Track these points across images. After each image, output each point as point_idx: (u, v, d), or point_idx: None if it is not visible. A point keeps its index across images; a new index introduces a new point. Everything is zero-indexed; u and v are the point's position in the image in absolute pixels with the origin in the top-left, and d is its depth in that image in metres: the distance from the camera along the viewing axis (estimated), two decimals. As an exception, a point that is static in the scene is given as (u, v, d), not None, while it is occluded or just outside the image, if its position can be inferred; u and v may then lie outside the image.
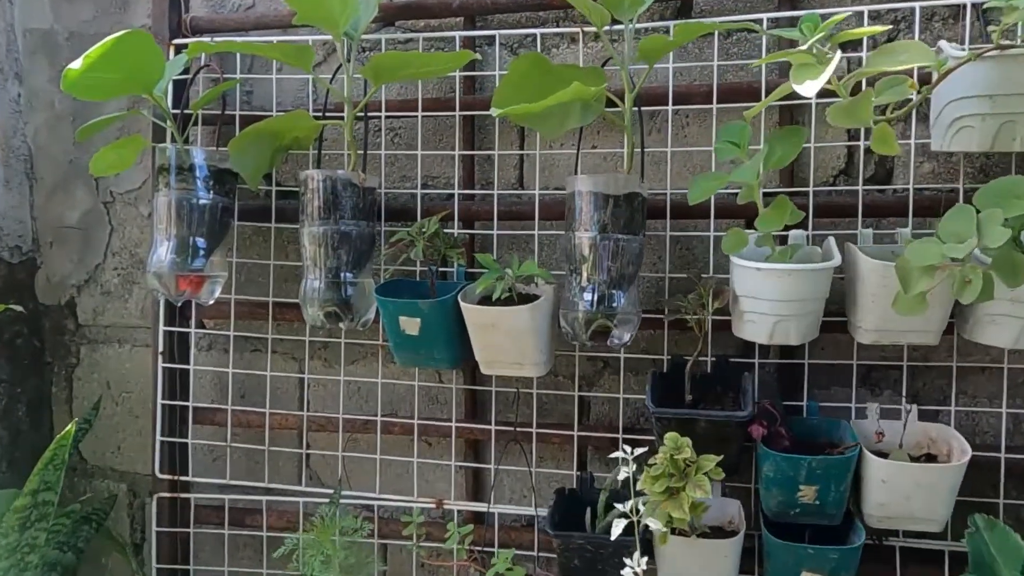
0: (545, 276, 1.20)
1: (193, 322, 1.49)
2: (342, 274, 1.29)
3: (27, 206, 1.68)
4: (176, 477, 1.47)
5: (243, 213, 1.46)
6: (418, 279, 1.38)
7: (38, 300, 1.70)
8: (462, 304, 1.19)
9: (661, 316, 1.29)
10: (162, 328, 1.46)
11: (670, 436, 1.04)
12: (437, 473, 1.49)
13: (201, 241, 1.34)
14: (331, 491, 1.41)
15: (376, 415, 1.43)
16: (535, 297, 1.24)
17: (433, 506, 1.40)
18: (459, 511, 1.41)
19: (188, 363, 1.49)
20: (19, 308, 1.29)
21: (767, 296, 1.08)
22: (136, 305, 1.65)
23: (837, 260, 1.06)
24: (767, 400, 1.15)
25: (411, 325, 1.23)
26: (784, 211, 1.04)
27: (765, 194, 1.09)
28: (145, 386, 1.64)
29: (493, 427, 1.37)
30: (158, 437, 1.47)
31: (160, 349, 1.46)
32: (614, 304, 1.16)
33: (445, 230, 1.30)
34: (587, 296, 1.16)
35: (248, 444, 1.52)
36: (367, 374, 1.52)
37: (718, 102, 1.26)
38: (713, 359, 1.28)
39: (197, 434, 1.59)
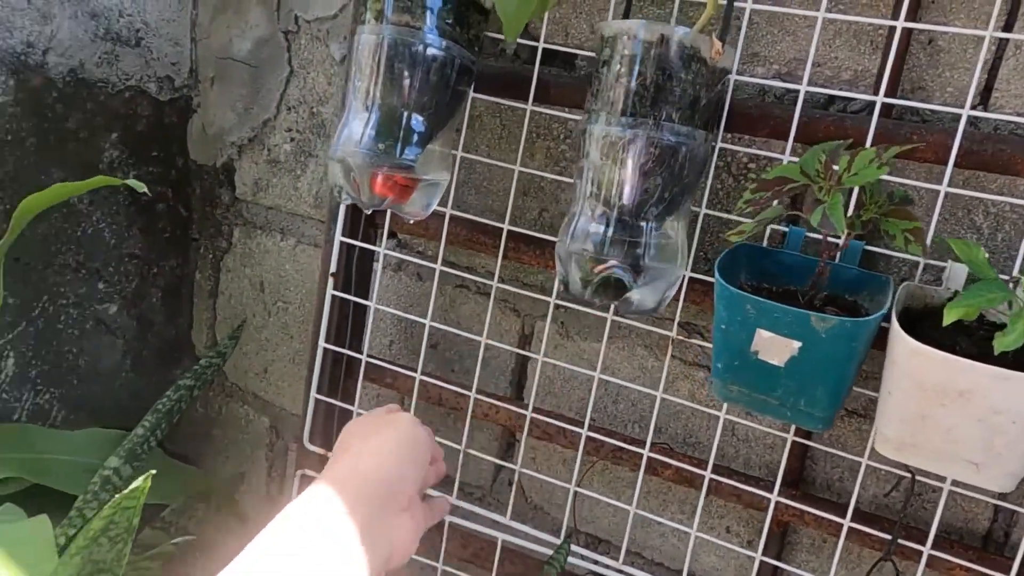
0: None
1: (384, 234, 0.98)
2: (645, 222, 0.72)
3: (187, 22, 1.21)
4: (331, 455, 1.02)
5: (494, 83, 0.91)
6: (782, 247, 0.78)
7: (188, 156, 1.26)
8: (907, 341, 0.59)
9: None
10: (338, 238, 0.97)
11: None
12: (707, 545, 0.95)
13: (420, 119, 0.80)
14: (551, 537, 0.91)
15: (640, 441, 0.88)
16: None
17: (708, 610, 0.87)
18: (749, 628, 0.87)
19: (368, 296, 1.00)
20: (140, 188, 0.82)
21: None
22: (310, 187, 1.17)
23: None
24: None
25: (777, 348, 0.64)
26: None
27: None
28: (308, 299, 1.19)
29: (848, 522, 0.79)
30: (313, 394, 1.01)
31: (332, 269, 0.97)
32: None
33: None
34: None
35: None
36: (618, 365, 0.98)
37: None
38: None
39: (366, 397, 1.14)
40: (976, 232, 0.79)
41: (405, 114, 0.79)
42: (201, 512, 1.04)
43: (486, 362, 1.06)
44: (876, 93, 0.77)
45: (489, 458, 1.00)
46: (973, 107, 0.78)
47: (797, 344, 0.63)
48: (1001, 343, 0.55)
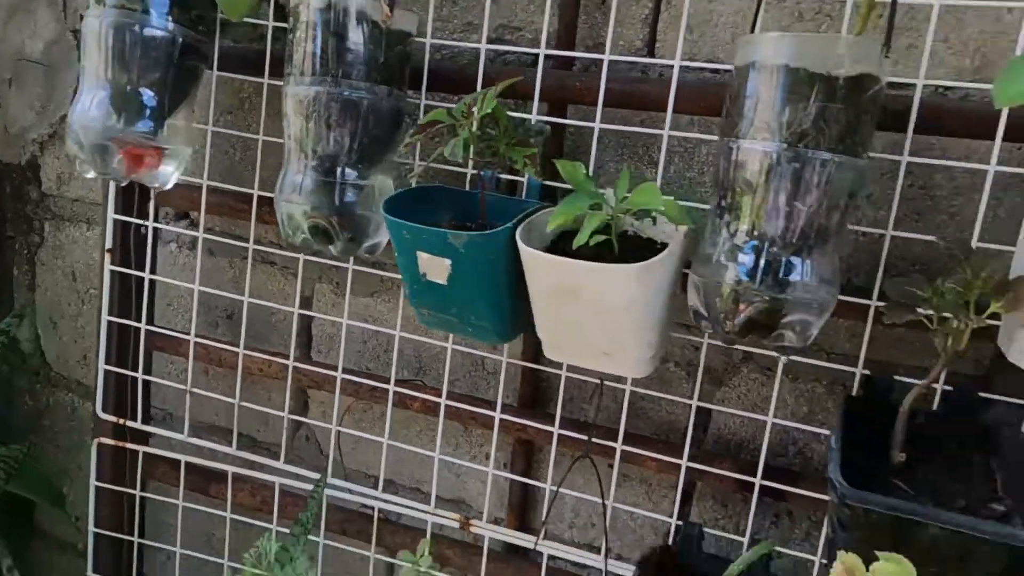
0: (675, 215, 0.67)
1: (152, 211, 1.05)
2: (340, 168, 0.80)
3: (-18, 28, 1.26)
4: (122, 421, 1.08)
5: (235, 61, 0.99)
6: (468, 188, 0.88)
7: (-5, 156, 1.31)
8: (522, 247, 0.69)
9: (862, 300, 0.75)
10: (111, 216, 1.04)
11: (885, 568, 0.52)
12: (471, 473, 1.04)
13: (150, 94, 0.88)
14: (317, 475, 0.99)
15: (389, 379, 0.97)
16: (653, 248, 0.72)
17: (456, 525, 0.96)
18: (493, 538, 0.96)
19: (146, 268, 1.07)
20: None
21: None
22: (108, 177, 1.22)
23: None
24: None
25: (436, 268, 0.74)
26: None
27: None
28: (116, 285, 1.25)
29: (557, 429, 0.89)
30: (102, 365, 1.07)
31: (108, 245, 1.04)
32: (792, 276, 0.64)
33: (517, 115, 0.78)
34: (746, 257, 0.64)
35: (219, 394, 1.11)
36: (385, 316, 1.06)
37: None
38: (946, 387, 0.74)
39: (164, 367, 1.20)
40: (653, 164, 0.90)
41: (134, 90, 0.86)
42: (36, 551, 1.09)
43: (274, 326, 1.14)
44: (546, 46, 0.87)
45: (272, 411, 1.08)
46: (638, 54, 0.89)
47: (448, 262, 0.72)
48: (576, 241, 0.65)
